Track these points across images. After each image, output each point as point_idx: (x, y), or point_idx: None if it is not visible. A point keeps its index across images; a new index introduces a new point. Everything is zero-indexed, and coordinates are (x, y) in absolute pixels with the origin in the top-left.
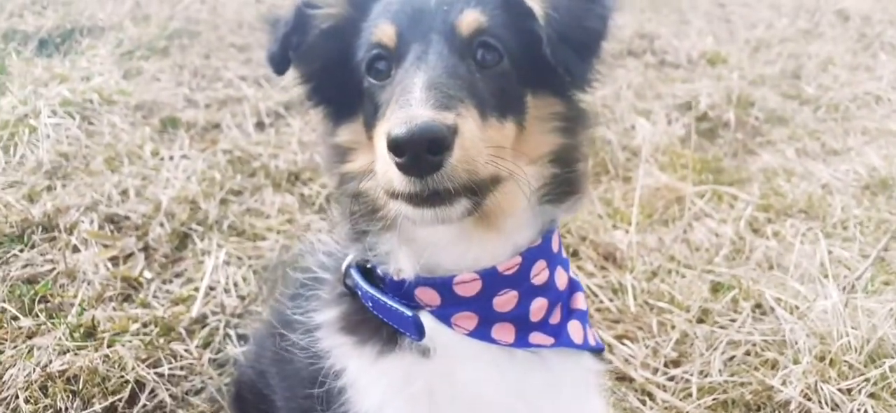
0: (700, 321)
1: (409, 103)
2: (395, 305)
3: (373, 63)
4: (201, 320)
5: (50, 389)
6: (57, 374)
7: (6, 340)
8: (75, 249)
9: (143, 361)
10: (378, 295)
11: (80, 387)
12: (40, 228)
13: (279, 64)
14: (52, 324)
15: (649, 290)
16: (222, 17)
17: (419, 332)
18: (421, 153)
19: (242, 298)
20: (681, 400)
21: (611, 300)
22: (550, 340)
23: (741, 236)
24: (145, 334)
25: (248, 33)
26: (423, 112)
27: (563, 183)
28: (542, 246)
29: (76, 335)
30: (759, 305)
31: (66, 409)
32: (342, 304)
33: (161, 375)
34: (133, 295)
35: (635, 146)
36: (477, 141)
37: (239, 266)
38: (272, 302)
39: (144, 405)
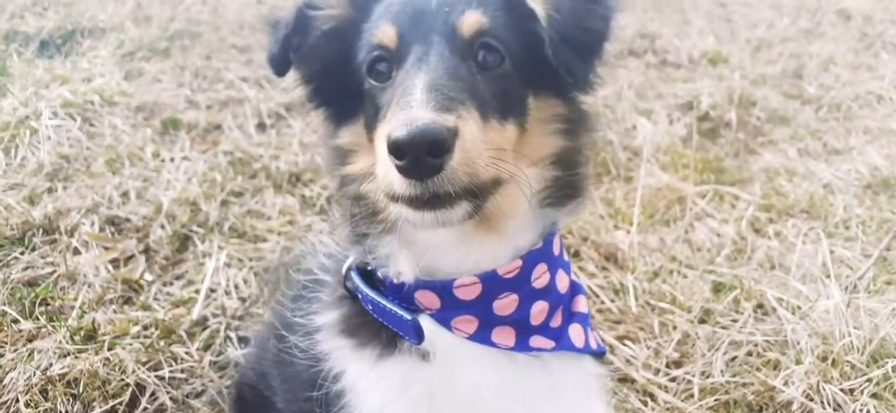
0: (702, 322)
1: (410, 105)
2: (395, 309)
3: (374, 64)
4: (202, 323)
5: (50, 393)
6: (57, 378)
7: (6, 343)
8: (76, 252)
9: (144, 364)
10: (378, 298)
11: (81, 390)
12: (41, 231)
13: (280, 65)
14: (53, 327)
15: (651, 290)
16: (223, 19)
17: (418, 336)
18: (421, 156)
19: (243, 301)
20: (682, 401)
21: (612, 301)
22: (551, 344)
23: (743, 236)
24: (146, 337)
25: (250, 34)
26: (423, 114)
27: (565, 186)
28: (543, 249)
29: (77, 338)
30: (760, 306)
31: (67, 412)
32: (342, 306)
33: (162, 378)
34: (134, 297)
35: (636, 146)
36: (478, 143)
37: (240, 268)
38: (273, 303)
39: (145, 408)
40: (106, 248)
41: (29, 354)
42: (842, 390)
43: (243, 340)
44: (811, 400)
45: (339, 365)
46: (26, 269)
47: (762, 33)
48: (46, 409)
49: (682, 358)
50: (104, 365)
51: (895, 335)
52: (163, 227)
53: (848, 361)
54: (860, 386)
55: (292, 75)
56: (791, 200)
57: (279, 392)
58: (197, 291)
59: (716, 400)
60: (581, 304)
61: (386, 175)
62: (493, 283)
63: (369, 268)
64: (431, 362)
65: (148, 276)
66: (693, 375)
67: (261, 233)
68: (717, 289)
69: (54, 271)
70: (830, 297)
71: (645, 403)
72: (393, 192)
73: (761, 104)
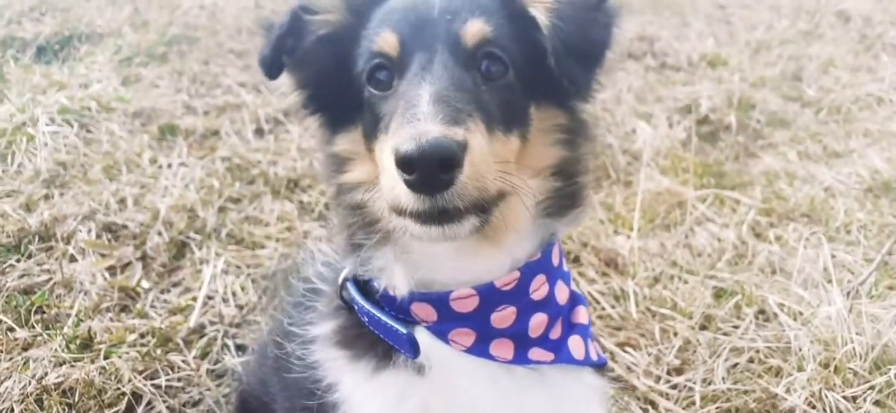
0: (703, 328)
1: (417, 118)
2: (391, 322)
3: (374, 73)
4: (199, 330)
5: (45, 402)
6: (52, 387)
7: (2, 352)
8: (72, 259)
9: (141, 373)
10: (374, 310)
11: (76, 400)
12: (37, 238)
13: (271, 67)
14: (49, 335)
15: (651, 296)
16: (221, 24)
17: (414, 350)
18: (431, 171)
19: (241, 308)
20: (684, 408)
21: (613, 307)
22: (550, 356)
23: (743, 241)
24: (143, 345)
25: (247, 39)
26: (432, 127)
27: (565, 196)
28: (541, 260)
29: (72, 346)
30: (762, 311)
31: None
32: (338, 317)
33: (158, 387)
34: (130, 305)
35: (636, 150)
36: (486, 156)
37: (237, 275)
38: (272, 310)
39: None
40: (102, 255)
41: (24, 363)
42: (844, 398)
43: (241, 348)
44: (813, 407)
45: (334, 376)
46: (22, 276)
47: (761, 35)
48: None
49: (683, 365)
50: (100, 374)
51: None
52: (160, 233)
53: (850, 368)
54: (863, 393)
55: (288, 81)
56: (792, 204)
57: (278, 399)
58: (194, 299)
59: (717, 407)
60: (581, 315)
61: (392, 189)
62: (490, 296)
63: (364, 279)
64: (427, 376)
65: (145, 284)
66: (694, 383)
67: (259, 239)
68: (718, 294)
69: (50, 279)
70: (832, 303)
71: (646, 411)
72: (399, 207)
73: (761, 107)
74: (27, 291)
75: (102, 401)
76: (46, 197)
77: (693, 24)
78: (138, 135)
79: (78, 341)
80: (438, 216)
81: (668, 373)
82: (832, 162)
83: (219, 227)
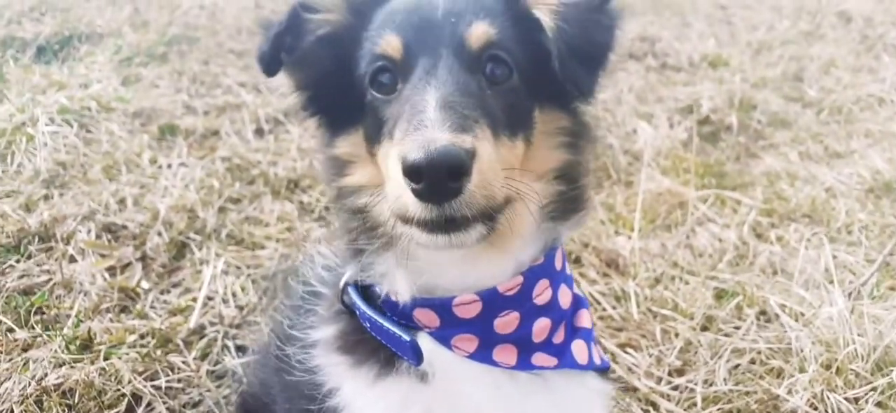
0: (704, 329)
1: (424, 124)
2: (393, 329)
3: (376, 76)
4: (199, 331)
5: (45, 403)
6: (52, 388)
7: (1, 353)
8: (72, 259)
9: (140, 374)
10: (376, 317)
11: (76, 401)
12: (37, 238)
13: (269, 64)
14: (48, 336)
15: (652, 297)
16: (221, 23)
17: (417, 357)
18: (440, 179)
19: (241, 308)
20: (685, 410)
21: (614, 308)
22: (553, 361)
23: (745, 241)
24: (142, 346)
25: (247, 39)
26: (440, 135)
27: (568, 200)
28: (544, 264)
29: (72, 347)
30: (763, 312)
31: None
32: (340, 321)
33: (158, 388)
34: (130, 306)
35: (637, 150)
36: (494, 163)
37: (237, 275)
38: (272, 311)
39: None
40: (102, 256)
41: (24, 364)
42: (846, 399)
43: (241, 349)
44: (815, 409)
45: (334, 381)
46: (22, 277)
47: (762, 36)
48: None
49: (684, 366)
50: (100, 375)
51: None
52: (160, 234)
53: (852, 369)
54: (865, 395)
55: (288, 81)
56: (793, 205)
57: (279, 400)
58: (194, 299)
59: (719, 409)
60: (584, 319)
61: (399, 197)
62: (493, 301)
63: (365, 284)
64: (430, 383)
65: (145, 284)
66: (696, 384)
67: (259, 240)
68: (719, 295)
69: (50, 279)
70: (834, 304)
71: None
72: (406, 215)
73: (762, 107)
74: (27, 292)
75: (102, 402)
76: (46, 197)
77: (694, 25)
78: (138, 135)
79: (78, 342)
80: (445, 225)
81: (670, 374)
82: (833, 162)
83: (219, 227)
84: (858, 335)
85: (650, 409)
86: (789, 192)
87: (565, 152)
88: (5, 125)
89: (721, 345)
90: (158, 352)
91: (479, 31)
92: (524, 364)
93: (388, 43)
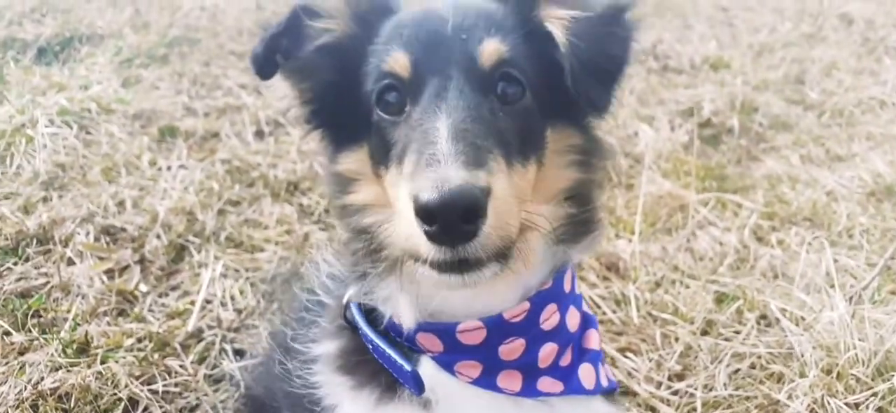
0: (704, 333)
1: (437, 159)
2: (395, 357)
3: (383, 94)
4: (197, 335)
5: (41, 407)
6: (48, 392)
7: None
8: (70, 262)
9: (137, 378)
10: (378, 341)
11: (72, 405)
12: (35, 241)
13: (263, 66)
14: (45, 339)
15: (653, 301)
16: (222, 25)
17: (418, 387)
18: (454, 222)
19: (239, 312)
20: None
21: (614, 311)
22: (559, 386)
23: (745, 245)
24: (139, 350)
25: (248, 41)
26: (454, 173)
27: (579, 222)
28: (553, 289)
29: (69, 351)
30: (764, 316)
31: None
32: (342, 337)
33: (155, 392)
34: (128, 309)
35: (638, 153)
36: (509, 199)
37: (236, 279)
38: (272, 315)
39: None
40: (101, 259)
41: (20, 368)
42: (847, 404)
43: (239, 353)
44: None
45: (334, 401)
46: (19, 279)
47: (764, 38)
48: None
49: (684, 370)
50: (96, 379)
51: None
52: (158, 236)
53: (853, 374)
54: (866, 400)
55: (289, 91)
56: (794, 208)
57: (283, 407)
58: (192, 303)
59: None
60: (592, 340)
61: (409, 237)
62: (498, 328)
63: (368, 306)
64: (433, 410)
65: (143, 287)
66: (696, 389)
67: (258, 242)
68: (720, 299)
69: (48, 282)
70: (835, 308)
71: None
72: (417, 255)
73: (763, 110)
74: (24, 295)
75: (99, 406)
76: (45, 199)
77: (695, 27)
78: (138, 137)
79: (75, 346)
80: (459, 266)
81: (670, 378)
82: (835, 165)
83: (218, 230)
84: (859, 340)
85: None
86: (790, 195)
87: (577, 171)
88: (5, 127)
89: (721, 349)
90: (156, 355)
91: (491, 49)
92: (529, 390)
93: (396, 60)
